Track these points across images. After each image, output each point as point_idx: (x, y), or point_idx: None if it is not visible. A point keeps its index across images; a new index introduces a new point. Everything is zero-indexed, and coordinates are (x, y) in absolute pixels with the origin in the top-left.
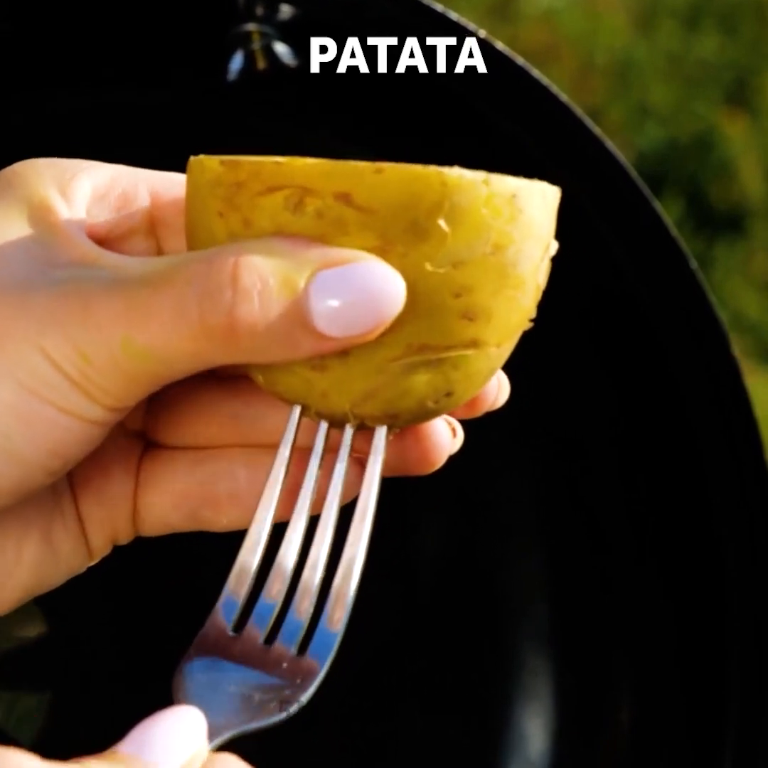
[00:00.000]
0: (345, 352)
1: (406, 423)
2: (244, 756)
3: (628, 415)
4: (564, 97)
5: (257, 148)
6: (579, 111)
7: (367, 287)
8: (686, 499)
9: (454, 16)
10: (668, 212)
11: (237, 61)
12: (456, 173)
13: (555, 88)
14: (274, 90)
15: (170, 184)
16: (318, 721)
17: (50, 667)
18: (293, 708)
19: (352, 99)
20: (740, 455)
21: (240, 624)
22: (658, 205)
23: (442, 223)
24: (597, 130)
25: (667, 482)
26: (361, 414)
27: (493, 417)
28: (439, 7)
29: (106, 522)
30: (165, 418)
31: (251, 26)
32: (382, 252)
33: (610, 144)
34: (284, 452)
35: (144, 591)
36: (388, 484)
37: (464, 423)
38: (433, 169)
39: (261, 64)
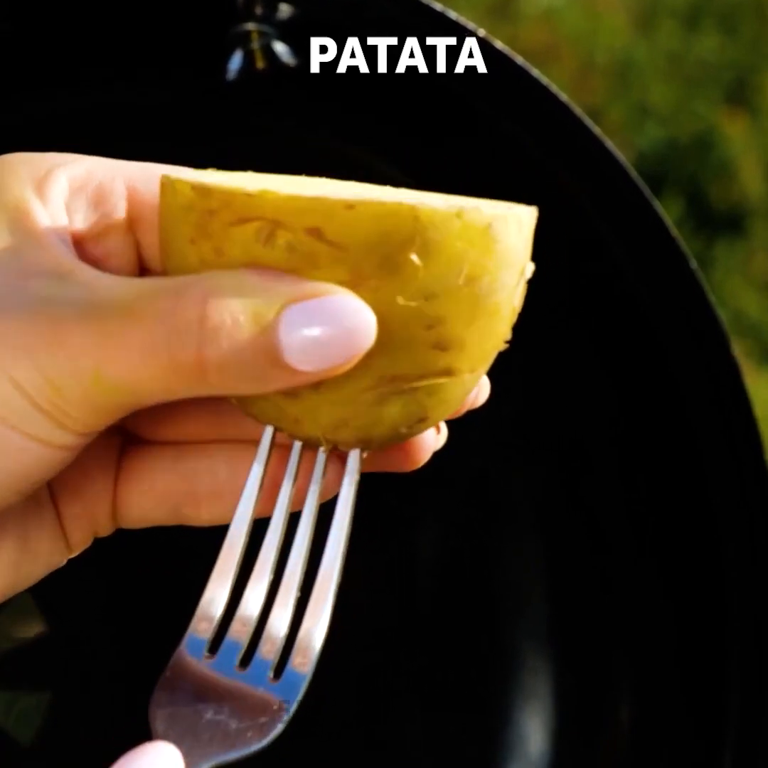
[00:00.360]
0: (317, 381)
1: (380, 447)
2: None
3: (628, 415)
4: (564, 96)
5: (257, 148)
6: (579, 111)
7: (338, 321)
8: (686, 499)
9: (453, 15)
10: (668, 212)
11: (236, 61)
12: (428, 207)
13: (555, 88)
14: (273, 90)
15: (148, 176)
16: (317, 721)
17: (50, 667)
18: (271, 736)
19: (352, 99)
20: (740, 455)
21: (214, 647)
22: (658, 205)
23: (414, 257)
24: (597, 130)
25: (667, 482)
26: (333, 439)
27: (493, 417)
28: (439, 7)
29: (85, 518)
30: (145, 413)
31: (250, 26)
32: (354, 286)
33: (610, 144)
34: (257, 470)
35: (144, 591)
36: (387, 483)
37: (464, 422)
38: (405, 204)
39: (260, 63)
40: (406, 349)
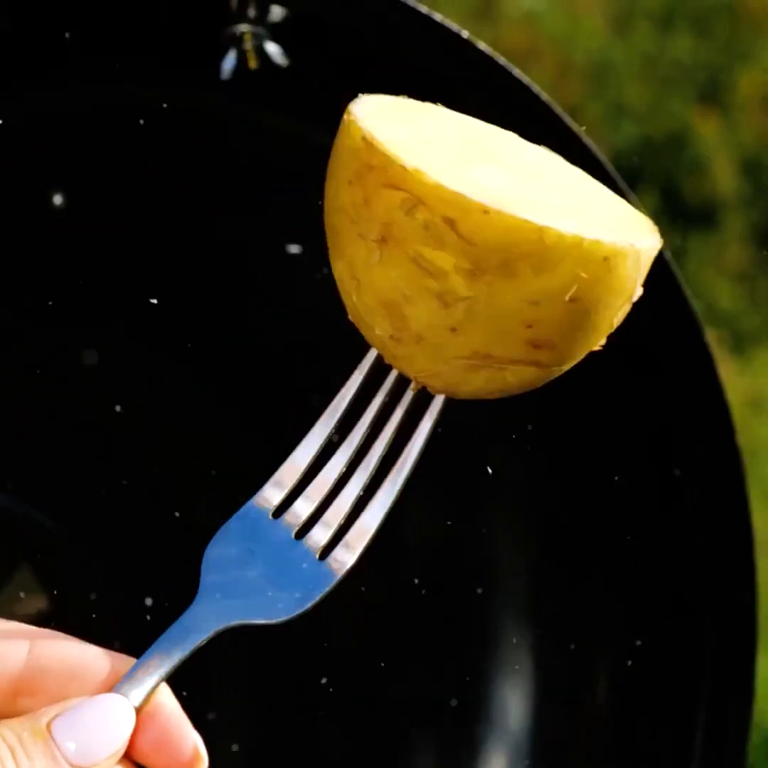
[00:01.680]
0: (420, 337)
1: (462, 398)
2: (241, 750)
3: (603, 402)
4: (544, 95)
5: (252, 146)
6: (559, 109)
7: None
8: (658, 484)
9: (438, 17)
10: (643, 206)
11: (230, 61)
12: (555, 232)
13: (536, 87)
14: (269, 88)
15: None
16: (300, 696)
17: None
18: (297, 612)
19: (343, 97)
20: (712, 440)
21: (278, 512)
22: (634, 199)
23: (530, 269)
24: (576, 127)
25: (641, 466)
26: (424, 382)
27: (490, 417)
28: (425, 9)
29: None
30: None
31: (243, 27)
32: (471, 275)
33: (588, 140)
34: (358, 377)
35: (145, 591)
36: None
37: (460, 417)
38: (533, 224)
39: (253, 63)
40: (503, 337)
